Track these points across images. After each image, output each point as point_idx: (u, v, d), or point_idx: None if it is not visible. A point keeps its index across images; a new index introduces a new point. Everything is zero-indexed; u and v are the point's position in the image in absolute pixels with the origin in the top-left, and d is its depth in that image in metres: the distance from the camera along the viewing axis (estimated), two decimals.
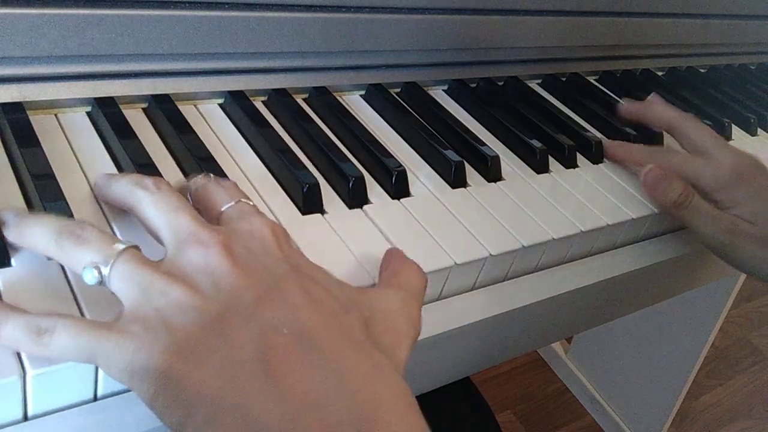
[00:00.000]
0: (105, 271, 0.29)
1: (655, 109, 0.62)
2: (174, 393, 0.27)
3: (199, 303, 0.28)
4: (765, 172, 0.54)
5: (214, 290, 0.29)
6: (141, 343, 0.27)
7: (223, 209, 0.34)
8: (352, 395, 0.27)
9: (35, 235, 0.31)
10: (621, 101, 0.71)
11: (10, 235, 0.33)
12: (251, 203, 0.35)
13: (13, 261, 0.33)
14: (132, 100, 0.48)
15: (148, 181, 0.34)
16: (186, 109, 0.49)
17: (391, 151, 0.51)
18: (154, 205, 0.32)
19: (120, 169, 0.42)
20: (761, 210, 0.51)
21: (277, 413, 0.26)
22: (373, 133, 0.53)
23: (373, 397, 0.27)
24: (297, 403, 0.26)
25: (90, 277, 0.30)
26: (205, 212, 0.35)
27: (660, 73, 0.81)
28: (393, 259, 0.37)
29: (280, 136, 0.48)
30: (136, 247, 0.31)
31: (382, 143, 0.52)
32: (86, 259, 0.30)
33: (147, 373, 0.27)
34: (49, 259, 0.33)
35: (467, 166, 0.52)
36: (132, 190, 0.34)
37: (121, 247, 0.30)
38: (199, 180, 0.36)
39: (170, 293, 0.29)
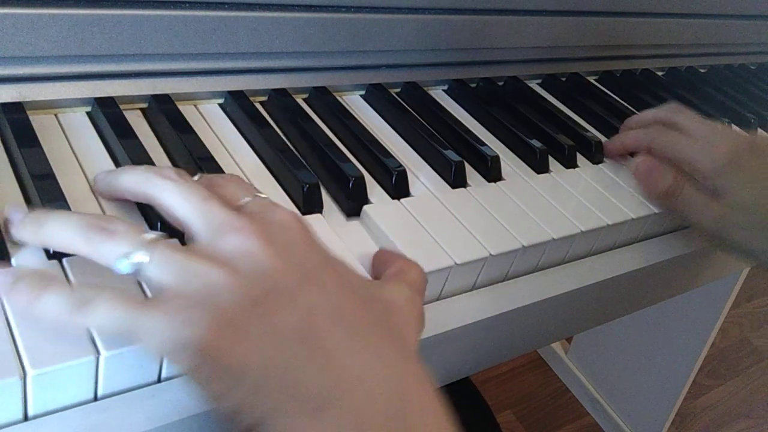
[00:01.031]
0: (140, 259, 0.30)
1: (630, 133, 0.59)
2: (218, 366, 0.28)
3: (241, 283, 0.29)
4: (762, 155, 0.53)
5: (254, 273, 0.30)
6: (183, 318, 0.28)
7: (243, 201, 0.34)
8: (389, 372, 0.29)
9: (57, 233, 0.32)
10: (620, 101, 0.72)
11: (24, 234, 0.32)
12: (267, 197, 0.35)
13: (13, 261, 0.33)
14: (132, 100, 0.48)
15: (168, 170, 0.34)
16: (186, 109, 0.49)
17: (391, 151, 0.51)
18: (181, 194, 0.32)
19: None
20: (753, 197, 0.51)
21: (320, 383, 0.28)
22: (373, 133, 0.53)
23: (405, 375, 0.30)
24: (337, 375, 0.28)
25: (124, 267, 0.30)
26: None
27: (660, 73, 0.81)
28: (393, 257, 0.39)
29: (280, 136, 0.48)
30: (166, 235, 0.31)
31: (382, 143, 0.52)
32: (119, 251, 0.30)
33: (190, 347, 0.28)
34: (50, 257, 0.33)
35: (467, 166, 0.52)
36: (150, 179, 0.34)
37: (150, 236, 0.30)
38: (206, 177, 0.36)
39: (211, 275, 0.29)
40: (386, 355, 0.30)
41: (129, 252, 0.30)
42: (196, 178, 0.36)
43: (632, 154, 0.62)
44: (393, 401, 0.29)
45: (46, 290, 0.29)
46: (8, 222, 0.33)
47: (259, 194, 0.35)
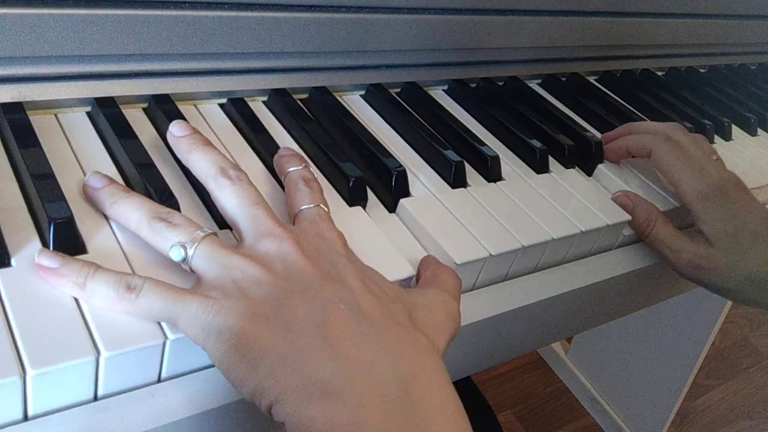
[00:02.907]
0: (190, 251, 0.34)
1: (635, 136, 0.59)
2: (243, 350, 0.30)
3: (272, 279, 0.33)
4: (747, 195, 0.53)
5: (285, 271, 0.33)
6: (220, 306, 0.31)
7: (302, 208, 0.39)
8: (396, 361, 0.31)
9: (126, 213, 0.36)
10: (620, 101, 0.72)
11: (104, 207, 0.37)
12: (326, 209, 0.40)
13: (13, 261, 0.33)
14: (132, 100, 0.48)
15: (231, 171, 0.38)
16: (186, 109, 0.49)
17: (391, 151, 0.51)
18: (236, 195, 0.37)
19: (120, 169, 0.42)
20: (730, 233, 0.51)
21: (331, 368, 0.30)
22: (373, 133, 0.53)
23: (413, 366, 0.31)
24: (348, 362, 0.30)
25: (176, 254, 0.34)
26: (287, 203, 0.41)
27: (660, 73, 0.81)
28: (430, 263, 0.41)
29: (280, 137, 0.48)
30: (216, 233, 0.35)
31: (382, 143, 0.52)
32: (175, 239, 0.34)
33: (223, 332, 0.30)
34: None
35: (467, 166, 0.52)
36: (215, 175, 0.38)
37: (204, 232, 0.34)
38: (298, 169, 0.42)
39: (247, 270, 0.33)
40: (397, 347, 0.32)
41: (182, 242, 0.34)
42: (301, 166, 0.42)
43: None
44: (398, 391, 0.30)
45: (95, 276, 0.32)
46: (87, 186, 0.38)
47: (322, 205, 0.40)
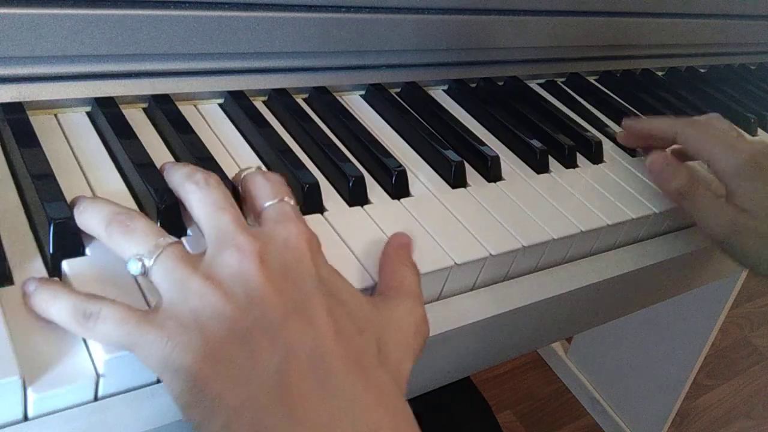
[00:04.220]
0: (148, 264, 0.32)
1: (658, 119, 0.60)
2: (197, 395, 0.29)
3: (231, 313, 0.30)
4: None
5: (247, 301, 0.31)
6: (176, 342, 0.29)
7: (265, 206, 0.36)
8: (357, 419, 0.29)
9: (89, 219, 0.34)
10: (620, 101, 0.72)
11: (76, 218, 0.35)
12: (292, 203, 0.36)
13: (15, 279, 0.33)
14: (132, 100, 0.48)
15: (198, 175, 0.36)
16: (186, 109, 0.49)
17: (391, 151, 0.51)
18: (201, 200, 0.34)
19: (120, 169, 0.42)
20: (765, 204, 0.51)
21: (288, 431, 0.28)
22: (373, 133, 0.53)
23: (377, 421, 0.30)
24: (308, 425, 0.28)
25: (134, 268, 0.32)
26: (249, 204, 0.37)
27: (660, 73, 0.81)
28: (388, 258, 0.39)
29: (280, 136, 0.48)
30: (180, 243, 0.33)
31: (382, 143, 0.52)
32: (132, 251, 0.32)
33: (178, 371, 0.29)
34: (52, 259, 0.33)
35: (467, 166, 0.52)
36: (183, 182, 0.36)
37: (164, 241, 0.32)
38: (250, 171, 0.38)
39: (206, 296, 0.30)
40: (359, 401, 0.30)
41: (139, 254, 0.32)
42: (253, 169, 0.38)
43: (633, 150, 0.62)
44: None
45: (56, 302, 0.31)
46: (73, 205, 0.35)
47: (287, 198, 0.36)
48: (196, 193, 0.35)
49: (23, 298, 0.32)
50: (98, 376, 0.31)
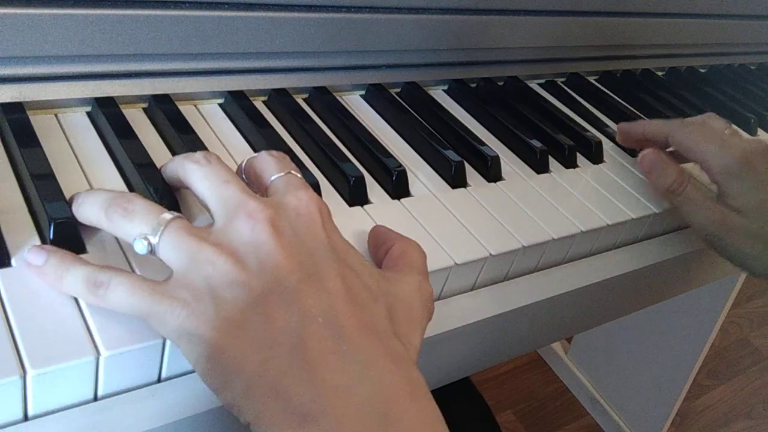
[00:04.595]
0: (154, 240, 0.31)
1: (652, 121, 0.60)
2: (215, 361, 0.29)
3: (245, 278, 0.30)
4: None
5: (260, 267, 0.30)
6: (190, 311, 0.29)
7: (272, 179, 0.35)
8: (375, 383, 0.29)
9: (87, 210, 0.33)
10: (620, 101, 0.72)
11: (75, 213, 0.34)
12: (299, 175, 0.36)
13: (13, 261, 0.33)
14: (132, 100, 0.48)
15: (198, 154, 0.35)
16: (186, 109, 0.49)
17: (391, 151, 0.51)
18: (204, 177, 0.34)
19: (120, 169, 0.42)
20: (757, 203, 0.51)
21: (309, 394, 0.28)
22: (373, 133, 0.53)
23: (392, 385, 0.30)
24: (325, 387, 0.28)
25: (140, 248, 0.31)
26: (254, 182, 0.37)
27: (660, 73, 0.81)
28: (390, 237, 0.39)
29: (280, 136, 0.48)
30: (182, 217, 0.32)
31: (382, 143, 0.52)
32: (135, 231, 0.31)
33: (193, 338, 0.29)
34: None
35: (467, 166, 0.52)
36: (182, 163, 0.35)
37: (167, 216, 0.32)
38: (252, 157, 0.37)
39: (217, 263, 0.30)
40: (376, 364, 0.30)
41: (144, 233, 0.31)
42: (245, 159, 0.37)
43: (633, 150, 0.62)
44: (376, 414, 0.29)
45: (69, 271, 0.31)
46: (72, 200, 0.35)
47: (293, 171, 0.36)
48: (197, 171, 0.34)
49: (30, 268, 0.32)
50: (98, 354, 0.30)
